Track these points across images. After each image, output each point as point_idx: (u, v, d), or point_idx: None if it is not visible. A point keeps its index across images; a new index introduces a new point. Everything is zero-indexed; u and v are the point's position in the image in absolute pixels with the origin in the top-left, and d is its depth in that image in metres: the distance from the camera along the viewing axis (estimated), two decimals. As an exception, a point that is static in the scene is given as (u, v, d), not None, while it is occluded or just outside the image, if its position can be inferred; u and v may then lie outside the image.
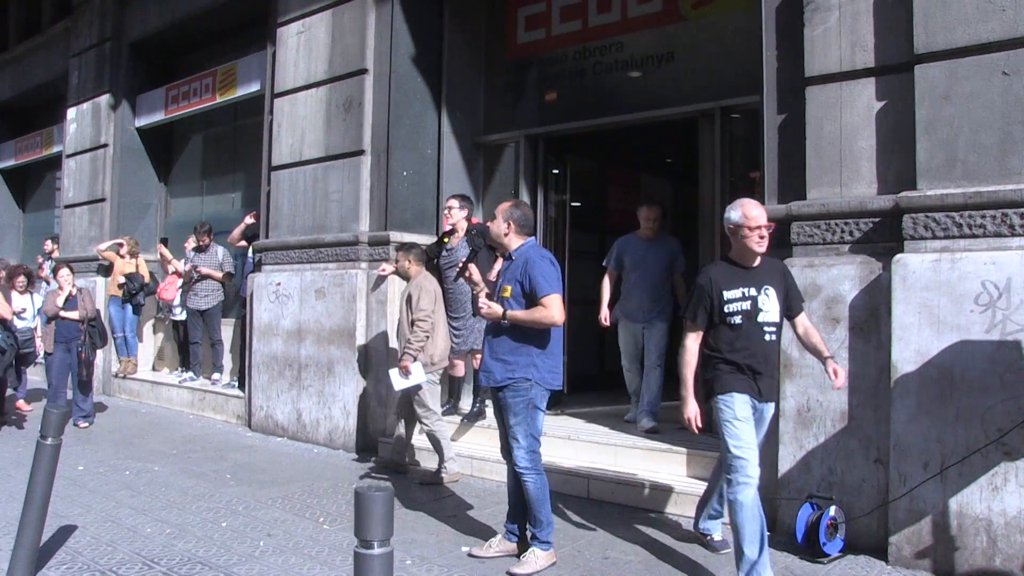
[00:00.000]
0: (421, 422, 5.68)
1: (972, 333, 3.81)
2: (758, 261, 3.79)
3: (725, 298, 3.72)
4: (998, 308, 3.77)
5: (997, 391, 3.74)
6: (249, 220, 8.30)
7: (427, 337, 5.53)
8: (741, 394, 3.69)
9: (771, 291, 3.75)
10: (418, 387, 5.57)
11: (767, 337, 3.74)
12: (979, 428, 3.77)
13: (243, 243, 8.41)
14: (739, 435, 3.64)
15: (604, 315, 6.17)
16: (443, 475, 5.62)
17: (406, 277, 5.83)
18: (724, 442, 3.68)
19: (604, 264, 6.29)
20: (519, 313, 3.94)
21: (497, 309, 3.96)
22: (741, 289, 3.73)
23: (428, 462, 6.06)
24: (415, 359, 5.48)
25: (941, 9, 4.07)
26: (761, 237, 3.71)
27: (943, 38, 4.06)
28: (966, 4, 4.01)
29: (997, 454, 3.73)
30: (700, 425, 3.75)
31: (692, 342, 3.79)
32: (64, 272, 7.74)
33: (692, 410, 3.75)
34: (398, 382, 5.52)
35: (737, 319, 3.70)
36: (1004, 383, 3.73)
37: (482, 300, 4.09)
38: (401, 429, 5.92)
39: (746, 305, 3.71)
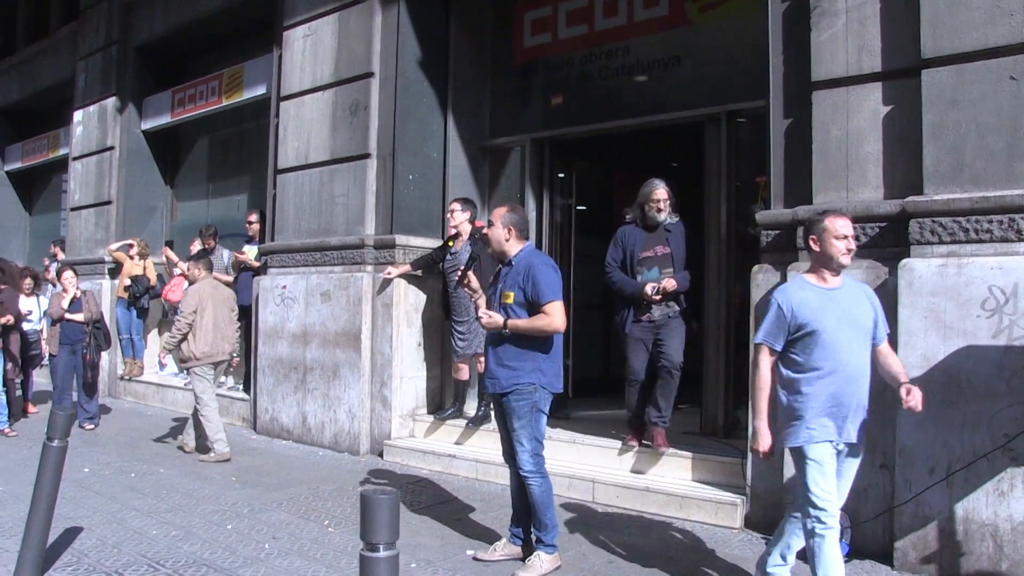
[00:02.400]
0: (197, 403, 6.61)
1: (979, 338, 3.80)
2: None
3: None
4: (1005, 313, 3.76)
5: (1004, 396, 3.73)
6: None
7: (181, 335, 6.52)
8: None
9: None
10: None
11: None
12: (986, 433, 3.76)
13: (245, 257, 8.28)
14: None
15: (767, 441, 3.40)
16: (212, 454, 6.52)
17: (192, 283, 6.86)
18: None
19: (761, 341, 3.37)
20: (521, 322, 3.92)
21: (498, 319, 3.93)
22: None
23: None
24: (168, 352, 6.82)
25: (949, 14, 4.07)
26: None
27: (950, 43, 4.06)
28: (974, 9, 4.00)
29: (1004, 459, 3.72)
30: None
31: None
32: (68, 274, 7.75)
33: None
34: (158, 370, 7.00)
35: None
36: (1011, 388, 3.72)
37: (482, 311, 4.07)
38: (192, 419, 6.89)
39: None
